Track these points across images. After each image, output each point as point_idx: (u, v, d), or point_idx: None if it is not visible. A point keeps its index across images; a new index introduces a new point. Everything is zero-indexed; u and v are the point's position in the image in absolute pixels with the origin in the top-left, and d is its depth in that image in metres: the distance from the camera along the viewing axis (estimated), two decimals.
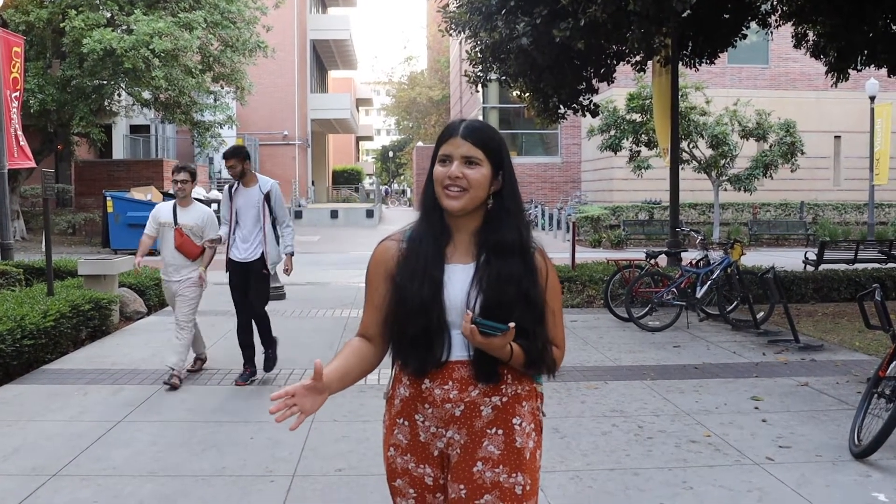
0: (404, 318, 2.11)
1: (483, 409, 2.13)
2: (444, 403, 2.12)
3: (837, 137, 30.46)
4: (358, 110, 60.37)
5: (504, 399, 2.15)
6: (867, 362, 7.47)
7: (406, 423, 2.19)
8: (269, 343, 6.93)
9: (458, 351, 2.12)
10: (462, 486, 2.14)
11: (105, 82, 21.72)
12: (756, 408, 5.95)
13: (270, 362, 6.97)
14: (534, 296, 2.12)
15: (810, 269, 12.83)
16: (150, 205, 20.20)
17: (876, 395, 5.00)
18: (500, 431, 2.14)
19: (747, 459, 4.81)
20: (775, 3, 12.15)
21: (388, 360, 2.25)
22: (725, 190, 23.78)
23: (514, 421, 2.15)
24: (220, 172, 35.23)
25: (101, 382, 6.65)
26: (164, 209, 6.80)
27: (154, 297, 10.57)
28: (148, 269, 11.29)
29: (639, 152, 22.39)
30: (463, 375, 2.11)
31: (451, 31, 12.89)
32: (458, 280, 2.13)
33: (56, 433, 5.23)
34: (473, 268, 2.14)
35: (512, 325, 1.99)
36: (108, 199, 20.64)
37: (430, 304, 2.09)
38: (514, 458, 2.14)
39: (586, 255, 17.19)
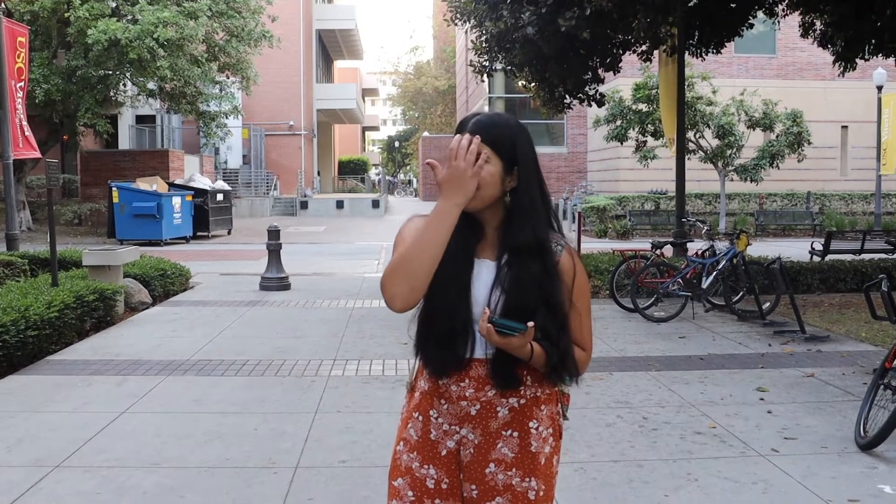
0: (428, 315, 2.05)
1: (500, 410, 2.08)
2: (460, 401, 2.07)
3: (844, 127, 30.35)
4: (364, 100, 60.28)
5: (522, 401, 2.09)
6: (873, 353, 7.43)
7: (420, 417, 2.14)
8: None
9: (479, 349, 2.05)
10: (474, 487, 2.10)
11: (110, 72, 21.75)
12: (761, 399, 5.92)
13: None
14: (555, 300, 2.03)
15: (816, 259, 12.79)
16: (155, 195, 20.27)
17: (882, 387, 4.97)
18: (515, 434, 2.09)
19: (753, 451, 4.79)
20: None
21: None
22: (732, 180, 23.73)
23: (531, 424, 2.10)
24: (225, 163, 35.23)
25: (105, 373, 6.65)
26: None
27: (159, 287, 10.57)
28: (152, 259, 11.39)
29: (645, 142, 22.35)
30: (480, 374, 2.05)
31: (457, 21, 12.84)
32: (485, 276, 2.06)
33: (60, 424, 5.24)
34: (496, 267, 2.06)
35: (531, 324, 1.93)
36: (114, 189, 20.67)
37: (456, 305, 2.02)
38: (528, 462, 2.09)
39: (592, 245, 17.16)
